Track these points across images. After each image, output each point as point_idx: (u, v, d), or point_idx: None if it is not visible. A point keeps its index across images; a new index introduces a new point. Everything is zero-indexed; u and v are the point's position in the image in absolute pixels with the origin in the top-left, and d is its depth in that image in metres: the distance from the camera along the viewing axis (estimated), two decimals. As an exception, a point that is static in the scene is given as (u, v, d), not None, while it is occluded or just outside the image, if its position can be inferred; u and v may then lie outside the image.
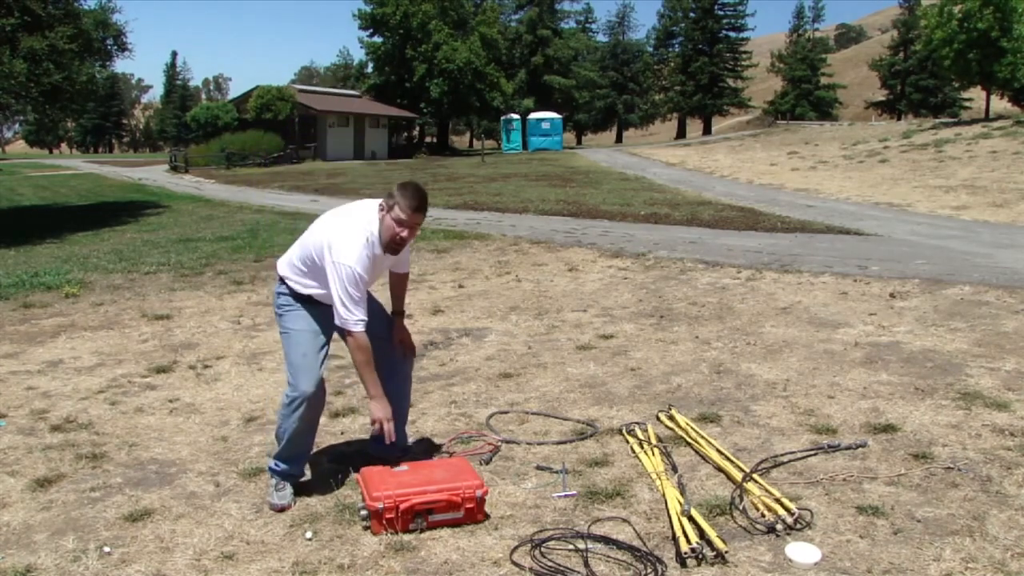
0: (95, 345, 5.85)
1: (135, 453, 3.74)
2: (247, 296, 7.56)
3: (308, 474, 3.39)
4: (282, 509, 3.12)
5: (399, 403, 3.40)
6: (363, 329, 3.02)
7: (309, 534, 2.89)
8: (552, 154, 37.41)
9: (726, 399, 4.32)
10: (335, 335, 3.27)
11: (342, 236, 3.02)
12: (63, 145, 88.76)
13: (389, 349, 3.39)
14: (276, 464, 3.23)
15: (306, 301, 3.20)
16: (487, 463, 3.52)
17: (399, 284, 3.55)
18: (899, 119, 52.27)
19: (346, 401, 4.44)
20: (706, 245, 10.14)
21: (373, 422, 3.15)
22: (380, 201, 3.12)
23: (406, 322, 3.60)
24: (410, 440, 3.67)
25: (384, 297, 3.51)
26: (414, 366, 5.07)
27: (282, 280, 3.25)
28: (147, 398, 4.58)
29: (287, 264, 3.24)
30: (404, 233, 3.05)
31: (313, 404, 3.17)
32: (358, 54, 74.20)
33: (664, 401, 4.30)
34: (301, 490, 3.25)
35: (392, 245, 3.09)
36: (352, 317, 2.99)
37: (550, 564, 2.63)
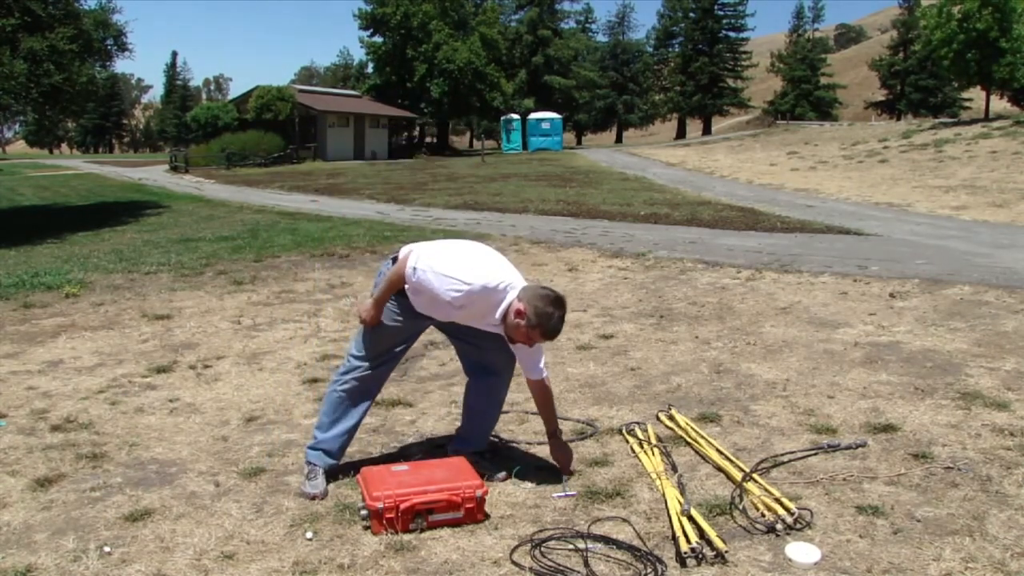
0: (95, 345, 5.85)
1: (135, 453, 3.74)
2: (247, 296, 7.57)
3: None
4: (312, 498, 3.15)
5: (484, 419, 3.49)
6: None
7: (309, 534, 2.89)
8: (552, 154, 37.42)
9: (726, 399, 4.33)
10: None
11: (467, 268, 3.02)
12: (63, 145, 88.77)
13: (491, 369, 3.39)
14: (309, 450, 3.32)
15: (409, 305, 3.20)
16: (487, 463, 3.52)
17: (539, 396, 3.34)
18: (899, 119, 52.26)
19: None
20: (706, 245, 10.14)
21: (358, 316, 3.22)
22: (518, 294, 3.02)
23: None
24: (411, 440, 3.67)
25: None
26: (416, 365, 5.11)
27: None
28: (147, 398, 4.58)
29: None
30: (530, 345, 3.09)
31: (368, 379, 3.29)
32: (358, 54, 74.29)
33: (664, 401, 4.30)
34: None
35: (513, 339, 3.10)
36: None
37: (550, 564, 2.64)
